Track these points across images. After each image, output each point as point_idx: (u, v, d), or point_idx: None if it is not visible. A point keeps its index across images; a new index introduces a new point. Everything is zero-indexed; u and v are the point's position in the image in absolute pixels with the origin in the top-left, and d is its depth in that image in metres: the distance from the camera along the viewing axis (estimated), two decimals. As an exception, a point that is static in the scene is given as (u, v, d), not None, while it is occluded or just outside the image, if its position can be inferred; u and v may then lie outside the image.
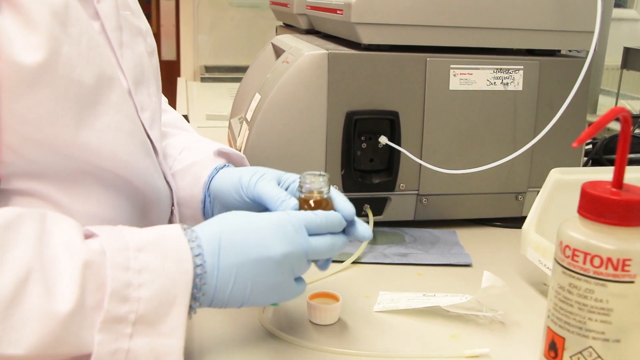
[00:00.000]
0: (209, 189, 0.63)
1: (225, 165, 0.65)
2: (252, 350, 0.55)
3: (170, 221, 0.62)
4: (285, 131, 0.76)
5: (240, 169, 0.61)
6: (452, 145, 0.81)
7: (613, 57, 1.48)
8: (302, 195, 0.54)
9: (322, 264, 0.55)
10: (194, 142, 0.71)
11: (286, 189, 0.57)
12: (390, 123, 0.79)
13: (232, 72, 2.03)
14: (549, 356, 0.50)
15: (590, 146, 1.09)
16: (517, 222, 0.79)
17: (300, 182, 0.54)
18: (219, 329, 0.58)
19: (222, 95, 1.71)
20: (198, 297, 0.47)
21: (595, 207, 0.46)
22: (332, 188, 0.55)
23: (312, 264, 0.54)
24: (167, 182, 0.61)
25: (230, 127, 1.00)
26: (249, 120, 0.82)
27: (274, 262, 0.49)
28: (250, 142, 0.78)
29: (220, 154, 0.67)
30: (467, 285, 0.67)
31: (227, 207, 0.61)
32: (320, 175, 0.54)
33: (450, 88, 0.79)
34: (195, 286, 0.47)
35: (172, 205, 0.62)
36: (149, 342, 0.44)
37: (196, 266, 0.47)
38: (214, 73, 2.05)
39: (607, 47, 1.39)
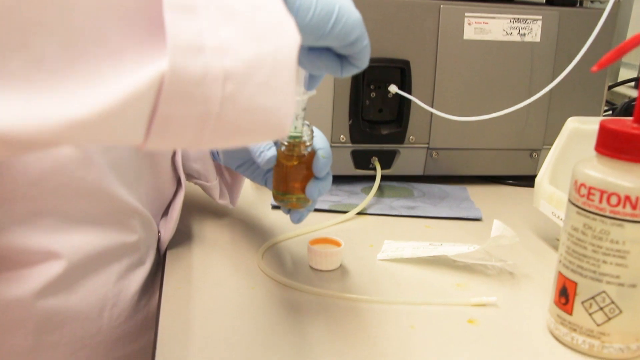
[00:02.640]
0: None
1: None
2: (249, 293, 0.54)
3: (173, 159, 0.61)
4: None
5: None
6: (464, 97, 0.79)
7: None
8: (282, 151, 0.51)
9: (295, 215, 0.54)
10: None
11: None
12: (400, 72, 0.77)
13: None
14: (559, 303, 0.48)
15: (610, 112, 1.05)
16: (530, 180, 0.77)
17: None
18: (217, 273, 0.57)
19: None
20: None
21: (614, 142, 0.44)
22: (319, 136, 0.53)
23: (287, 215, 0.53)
24: None
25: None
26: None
27: None
28: None
29: None
30: (476, 239, 0.66)
31: (224, 149, 0.60)
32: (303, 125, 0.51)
33: (465, 37, 0.77)
34: None
35: None
36: None
37: None
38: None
39: (633, 3, 1.34)
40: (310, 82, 0.47)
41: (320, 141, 0.52)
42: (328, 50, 0.41)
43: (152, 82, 0.25)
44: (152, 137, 0.27)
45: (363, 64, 0.42)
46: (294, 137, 0.50)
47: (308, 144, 0.51)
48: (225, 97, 0.27)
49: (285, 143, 0.51)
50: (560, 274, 0.48)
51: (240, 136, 0.29)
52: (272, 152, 0.52)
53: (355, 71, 0.42)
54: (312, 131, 0.51)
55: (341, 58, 0.42)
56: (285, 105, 0.29)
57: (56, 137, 0.24)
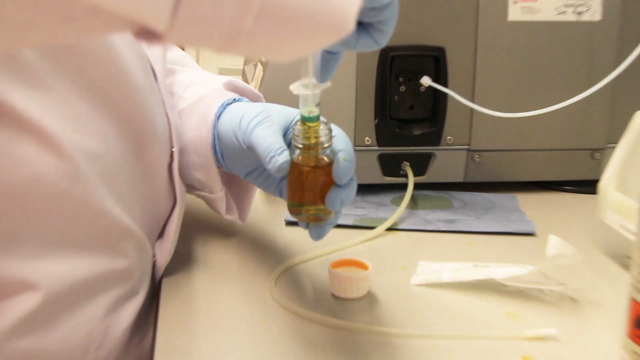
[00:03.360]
0: (217, 128, 0.62)
1: (235, 100, 0.63)
2: (260, 328, 0.53)
3: (170, 167, 0.61)
4: (306, 71, 0.75)
5: (247, 107, 0.59)
6: (511, 89, 0.79)
7: None
8: (296, 155, 0.51)
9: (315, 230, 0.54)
10: (201, 76, 0.70)
11: None
12: (434, 61, 0.77)
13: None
14: (635, 336, 0.46)
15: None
16: (592, 186, 0.75)
17: (293, 132, 0.51)
18: (222, 304, 0.57)
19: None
20: None
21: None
22: (340, 136, 0.52)
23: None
24: (167, 116, 0.60)
25: (243, 75, 0.99)
26: (263, 60, 0.80)
27: None
28: (265, 83, 0.76)
29: (231, 87, 0.65)
30: (530, 258, 0.65)
31: (228, 153, 0.60)
32: (321, 123, 0.50)
33: (509, 19, 0.77)
34: None
35: (172, 146, 0.60)
36: None
37: None
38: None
39: None
40: (323, 71, 0.46)
41: (341, 142, 0.51)
42: None
43: None
44: (181, 19, 0.25)
45: (384, 36, 0.41)
46: (308, 120, 0.49)
47: (326, 145, 0.50)
48: None
49: (300, 145, 0.50)
50: (634, 301, 0.46)
51: (291, 30, 0.27)
52: (285, 156, 0.51)
53: (371, 45, 0.42)
54: (330, 130, 0.51)
55: (358, 27, 0.41)
56: None
57: None
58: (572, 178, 0.83)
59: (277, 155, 0.51)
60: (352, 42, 0.42)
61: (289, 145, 0.53)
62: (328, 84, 0.47)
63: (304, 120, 0.49)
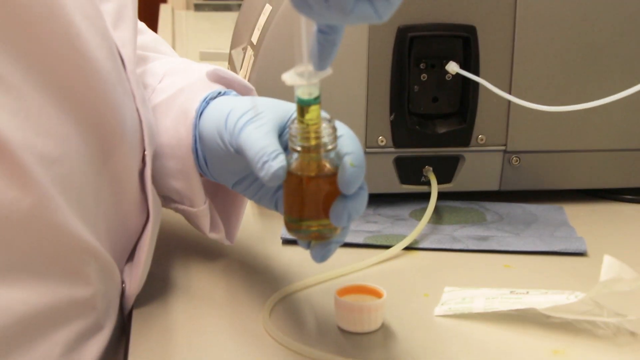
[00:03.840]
0: (199, 128, 0.62)
1: (220, 93, 0.63)
2: None
3: (142, 174, 0.61)
4: (307, 56, 0.75)
5: (235, 101, 0.60)
6: (557, 78, 0.79)
7: None
8: (294, 160, 0.51)
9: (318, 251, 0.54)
10: (180, 64, 0.71)
11: None
12: (463, 43, 0.77)
13: (240, -1, 2.03)
14: None
15: None
16: None
17: (290, 132, 0.52)
18: (206, 340, 0.58)
19: (224, 27, 1.70)
20: None
21: None
22: (346, 136, 0.53)
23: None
24: (138, 111, 0.60)
25: (230, 60, 1.00)
26: (254, 43, 0.81)
27: None
28: (257, 72, 0.77)
29: (216, 77, 0.66)
30: (580, 283, 0.65)
31: (212, 158, 0.61)
32: (324, 120, 0.51)
33: None
34: None
35: (144, 149, 0.61)
36: None
37: None
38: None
39: None
40: (321, 56, 0.47)
41: (348, 143, 0.52)
42: None
43: None
44: None
45: (389, 6, 0.42)
46: (306, 103, 0.49)
47: (330, 147, 0.51)
48: None
49: (298, 147, 0.51)
50: None
51: None
52: (280, 161, 0.52)
53: (370, 16, 0.43)
54: (335, 129, 0.51)
55: None
56: None
57: None
58: (632, 185, 0.83)
59: (270, 160, 0.52)
60: (348, 5, 0.42)
61: (286, 148, 0.53)
62: (328, 71, 0.48)
63: (301, 103, 0.49)
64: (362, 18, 0.43)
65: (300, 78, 0.48)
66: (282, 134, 0.56)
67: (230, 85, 0.66)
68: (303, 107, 0.49)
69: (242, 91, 0.67)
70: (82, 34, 0.54)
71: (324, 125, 0.50)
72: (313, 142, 0.50)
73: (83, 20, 0.54)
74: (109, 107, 0.56)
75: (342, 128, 0.53)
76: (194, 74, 0.67)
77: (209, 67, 0.68)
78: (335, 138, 0.51)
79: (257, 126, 0.55)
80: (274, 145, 0.53)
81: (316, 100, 0.49)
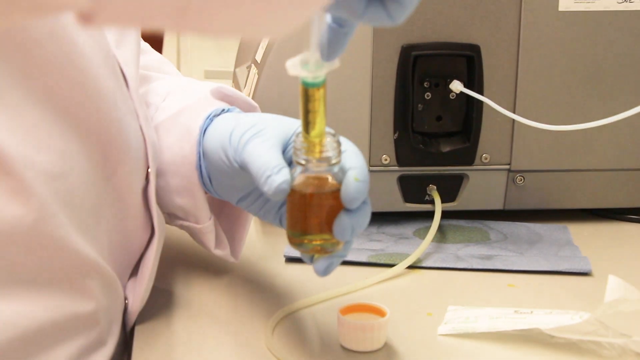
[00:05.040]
0: (203, 145, 0.62)
1: (224, 110, 0.64)
2: None
3: (145, 191, 0.61)
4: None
5: (239, 118, 0.60)
6: (561, 96, 0.79)
7: None
8: (297, 174, 0.52)
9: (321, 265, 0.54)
10: (183, 83, 0.71)
11: None
12: (467, 62, 0.77)
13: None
14: None
15: None
16: None
17: (294, 146, 0.51)
18: (213, 356, 0.58)
19: (228, 46, 1.71)
20: None
21: None
22: (350, 151, 0.52)
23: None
24: (141, 129, 0.61)
25: (234, 79, 1.00)
26: (258, 61, 0.81)
27: None
28: (260, 90, 0.77)
29: (219, 95, 0.66)
30: (584, 303, 0.65)
31: (217, 174, 0.61)
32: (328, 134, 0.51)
33: (560, 9, 0.78)
34: None
35: (148, 166, 0.61)
36: None
37: None
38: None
39: None
40: (331, 46, 0.45)
41: (352, 158, 0.52)
42: None
43: None
44: None
45: (402, 10, 0.42)
46: (311, 86, 0.48)
47: (334, 161, 0.51)
48: None
49: (302, 161, 0.51)
50: None
51: None
52: (284, 175, 0.52)
53: (382, 18, 0.42)
54: (339, 144, 0.51)
55: None
56: None
57: None
58: (636, 205, 0.83)
59: (274, 174, 0.52)
60: (359, 9, 0.42)
61: (290, 163, 0.54)
62: (336, 63, 0.47)
63: (306, 85, 0.48)
64: (375, 20, 0.43)
65: (304, 68, 0.46)
66: (286, 149, 0.56)
67: (234, 102, 0.67)
68: (307, 90, 0.48)
69: (246, 108, 0.67)
70: (84, 52, 0.54)
71: (329, 139, 0.51)
72: (317, 156, 0.50)
73: (86, 39, 0.54)
74: (112, 124, 0.56)
75: (346, 143, 0.53)
76: (197, 92, 0.68)
77: (212, 85, 0.68)
78: (339, 152, 0.51)
79: (261, 141, 0.55)
80: (277, 159, 0.53)
81: (321, 83, 0.48)
